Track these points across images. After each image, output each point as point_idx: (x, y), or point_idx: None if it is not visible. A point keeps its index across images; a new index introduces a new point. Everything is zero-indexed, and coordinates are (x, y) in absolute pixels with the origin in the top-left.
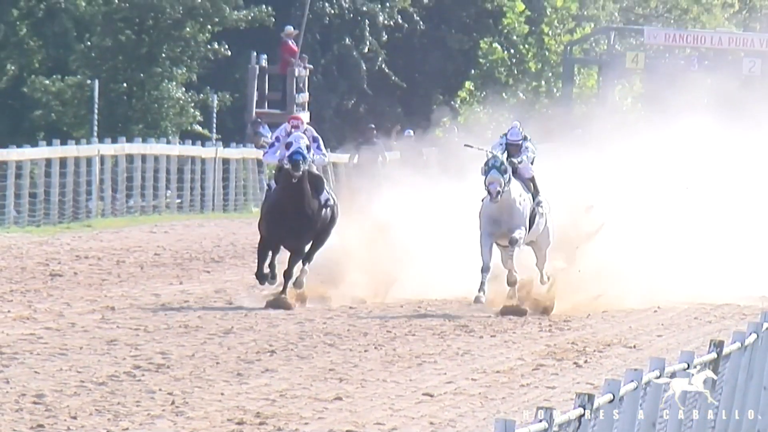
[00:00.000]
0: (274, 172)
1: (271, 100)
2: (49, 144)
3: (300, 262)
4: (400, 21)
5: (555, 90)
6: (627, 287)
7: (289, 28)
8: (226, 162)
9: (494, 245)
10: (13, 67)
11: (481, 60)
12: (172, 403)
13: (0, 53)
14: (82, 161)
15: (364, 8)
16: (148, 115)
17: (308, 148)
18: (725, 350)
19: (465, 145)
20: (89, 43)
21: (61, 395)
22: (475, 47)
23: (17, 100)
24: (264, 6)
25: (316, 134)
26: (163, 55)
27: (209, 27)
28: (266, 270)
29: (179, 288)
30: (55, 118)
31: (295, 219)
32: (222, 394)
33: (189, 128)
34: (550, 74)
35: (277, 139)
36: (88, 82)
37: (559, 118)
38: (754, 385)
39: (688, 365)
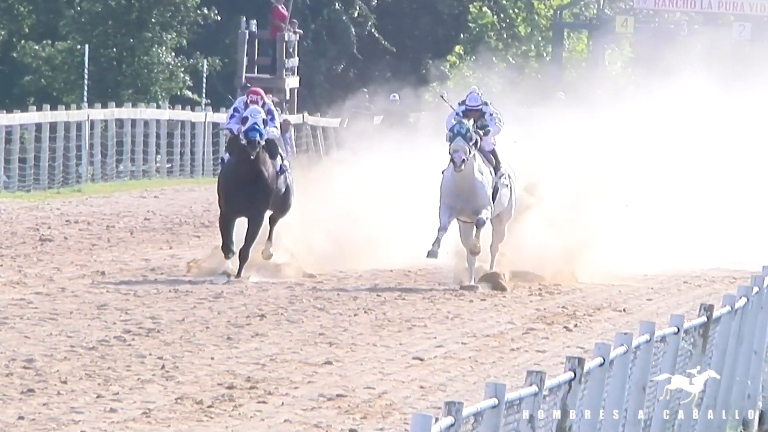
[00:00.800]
0: (226, 144)
1: (261, 65)
2: (39, 109)
3: (254, 240)
4: None
5: (545, 54)
6: (613, 256)
7: None
8: (216, 126)
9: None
10: (2, 33)
11: (470, 24)
12: (162, 367)
13: None
14: (72, 126)
15: None
16: (138, 80)
17: (265, 122)
18: (715, 314)
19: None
20: (79, 8)
21: (52, 360)
22: (464, 12)
23: (7, 65)
24: None
25: (272, 107)
26: (153, 20)
27: None
28: (232, 242)
29: (169, 253)
30: (45, 84)
31: (252, 188)
32: (212, 358)
33: (179, 93)
34: (540, 38)
35: (236, 110)
36: (78, 47)
37: (549, 82)
38: (744, 349)
39: (678, 329)
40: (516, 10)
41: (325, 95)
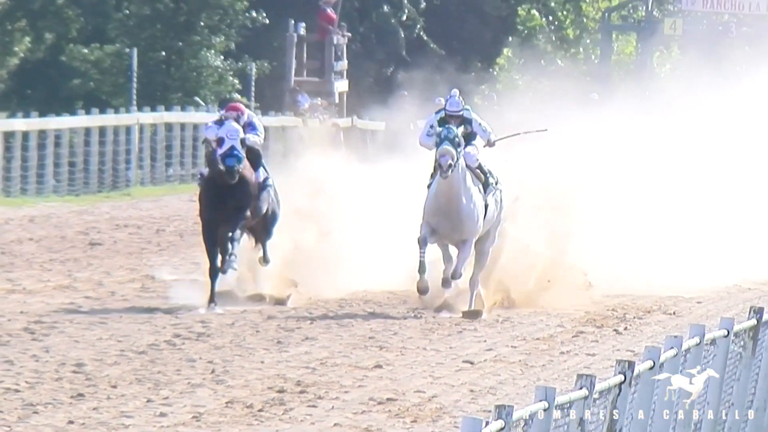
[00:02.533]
0: (205, 157)
1: (310, 69)
2: (88, 113)
3: (231, 238)
4: None
5: (593, 57)
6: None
7: None
8: (265, 130)
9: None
10: (51, 36)
11: (519, 27)
12: (212, 371)
13: (38, 22)
14: (120, 130)
15: None
16: (186, 83)
17: (243, 142)
18: (765, 316)
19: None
20: (127, 11)
21: (101, 364)
22: (512, 14)
23: (56, 68)
24: None
25: (254, 120)
26: (201, 23)
27: None
28: (219, 265)
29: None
30: (93, 87)
31: (231, 194)
32: (262, 362)
33: (227, 96)
34: (588, 41)
35: (216, 122)
36: (126, 50)
37: (598, 84)
38: None
39: (728, 332)
40: (564, 13)
41: (375, 98)
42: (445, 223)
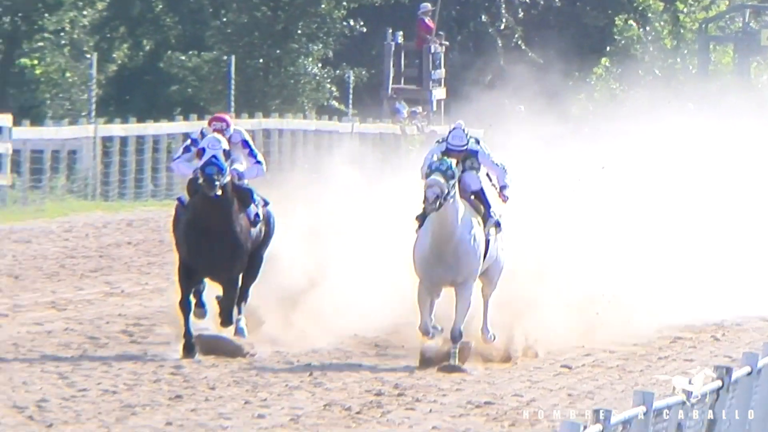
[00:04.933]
0: (187, 186)
1: (408, 77)
2: (186, 119)
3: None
4: None
5: (690, 67)
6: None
7: (426, 5)
8: (363, 136)
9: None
10: (149, 43)
11: (616, 37)
12: (311, 374)
13: (136, 30)
14: None
15: None
16: (284, 90)
17: (228, 154)
18: None
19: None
20: (225, 19)
21: (199, 366)
22: (610, 24)
23: (154, 75)
24: None
25: (246, 137)
26: (299, 31)
27: (345, 3)
28: (192, 300)
29: None
30: (191, 94)
31: (220, 242)
32: (360, 365)
33: (325, 104)
34: (686, 51)
35: (194, 141)
36: (224, 57)
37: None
38: None
39: None
40: (662, 23)
41: (472, 106)
42: (439, 264)
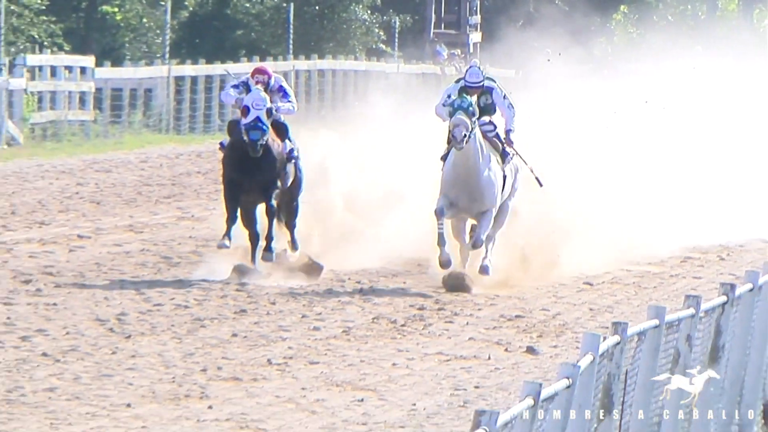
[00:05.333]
0: (227, 127)
1: (447, 22)
2: (250, 60)
3: (274, 216)
4: None
5: (699, 13)
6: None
7: None
8: (408, 76)
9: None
10: None
11: None
12: (360, 290)
13: None
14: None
15: None
16: (337, 34)
17: (269, 113)
18: None
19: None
20: None
21: (262, 284)
22: None
23: (221, 21)
24: None
25: (283, 84)
26: None
27: None
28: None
29: None
30: (254, 38)
31: (258, 167)
32: (404, 282)
33: (374, 46)
34: None
35: (243, 83)
36: (284, 5)
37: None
38: None
39: None
40: None
41: (505, 48)
42: (463, 195)
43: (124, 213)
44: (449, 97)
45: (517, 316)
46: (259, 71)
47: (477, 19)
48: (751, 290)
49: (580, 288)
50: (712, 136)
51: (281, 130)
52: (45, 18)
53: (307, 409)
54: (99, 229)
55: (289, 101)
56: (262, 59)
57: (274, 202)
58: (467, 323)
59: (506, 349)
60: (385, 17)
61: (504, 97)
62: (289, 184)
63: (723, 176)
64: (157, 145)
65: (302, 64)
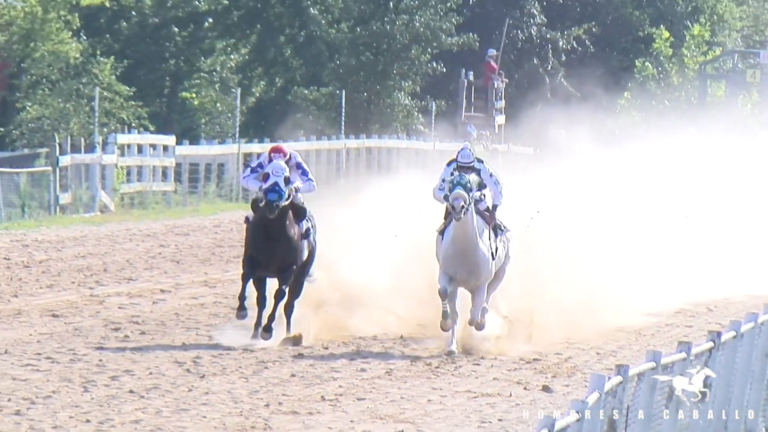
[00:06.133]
0: (251, 205)
1: (476, 106)
2: (308, 140)
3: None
4: (575, 45)
5: (692, 99)
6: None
7: (492, 51)
8: (442, 153)
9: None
10: (280, 80)
11: (636, 75)
12: (401, 336)
13: (271, 69)
14: (332, 153)
15: (548, 36)
16: (382, 117)
17: (287, 180)
18: None
19: None
20: (338, 62)
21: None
22: (631, 65)
23: (283, 105)
24: (471, 34)
25: (300, 161)
26: (394, 71)
27: (429, 50)
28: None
29: None
30: (312, 120)
31: (278, 245)
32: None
33: (414, 127)
34: (689, 86)
35: (260, 165)
36: (337, 92)
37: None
38: None
39: None
40: (670, 65)
41: (526, 129)
42: (462, 269)
43: (200, 270)
44: (443, 181)
45: (534, 359)
46: (275, 150)
47: (502, 104)
48: (734, 337)
49: (588, 335)
50: (702, 203)
51: (299, 213)
52: (133, 103)
53: None
54: (178, 284)
55: (309, 179)
56: (318, 138)
57: (286, 288)
58: (492, 365)
59: (525, 388)
60: (423, 102)
61: (491, 174)
62: (303, 260)
63: (711, 238)
64: (228, 211)
65: (352, 142)
